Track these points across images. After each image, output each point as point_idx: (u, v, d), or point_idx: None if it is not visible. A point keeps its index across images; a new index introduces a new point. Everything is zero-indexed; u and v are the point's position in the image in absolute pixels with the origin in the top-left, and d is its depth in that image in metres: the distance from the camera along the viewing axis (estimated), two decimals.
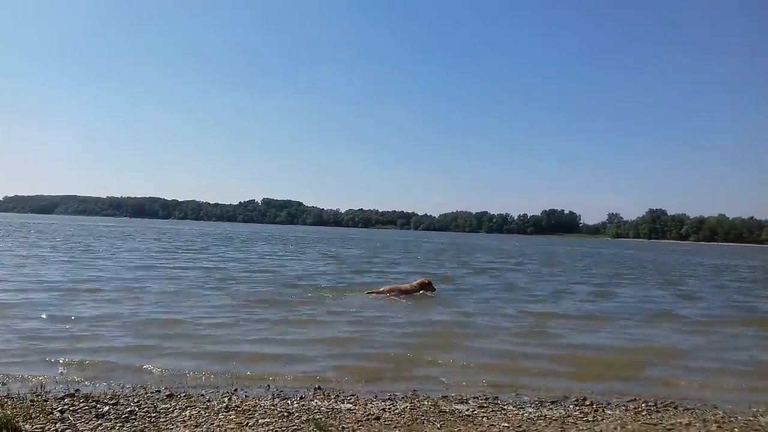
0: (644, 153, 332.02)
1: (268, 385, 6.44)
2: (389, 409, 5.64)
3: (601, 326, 11.04)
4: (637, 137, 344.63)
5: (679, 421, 5.58)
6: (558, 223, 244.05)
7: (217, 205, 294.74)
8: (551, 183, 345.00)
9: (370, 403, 5.86)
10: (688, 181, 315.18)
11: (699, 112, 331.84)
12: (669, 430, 5.31)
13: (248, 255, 29.18)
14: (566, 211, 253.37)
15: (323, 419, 5.20)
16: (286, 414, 5.31)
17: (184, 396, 5.82)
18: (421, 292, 14.13)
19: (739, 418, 5.80)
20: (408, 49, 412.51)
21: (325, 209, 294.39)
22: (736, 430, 5.40)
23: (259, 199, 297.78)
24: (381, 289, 14.34)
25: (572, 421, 5.48)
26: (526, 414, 5.64)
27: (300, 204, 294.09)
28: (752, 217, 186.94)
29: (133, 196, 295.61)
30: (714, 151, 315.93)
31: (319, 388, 6.38)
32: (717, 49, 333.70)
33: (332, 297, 13.60)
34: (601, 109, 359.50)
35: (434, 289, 14.40)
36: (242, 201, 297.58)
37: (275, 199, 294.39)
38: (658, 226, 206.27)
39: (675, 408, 6.09)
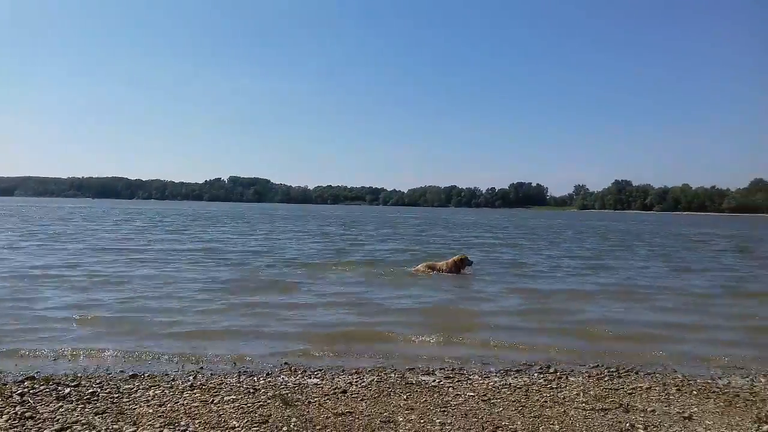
0: (608, 125, 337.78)
1: (235, 363, 6.39)
2: (356, 382, 5.65)
3: (593, 301, 10.95)
4: (601, 110, 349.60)
5: (639, 385, 5.73)
6: (526, 196, 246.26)
7: (182, 183, 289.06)
8: (518, 157, 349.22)
9: (337, 377, 5.86)
10: (652, 151, 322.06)
11: (661, 84, 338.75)
12: (630, 394, 5.45)
13: (222, 235, 28.58)
14: (534, 184, 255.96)
15: (290, 394, 5.18)
16: (252, 390, 5.28)
17: (148, 376, 5.74)
18: (463, 270, 14.13)
19: (698, 381, 5.99)
20: (374, 27, 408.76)
21: (293, 186, 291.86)
22: (695, 392, 5.56)
23: (225, 177, 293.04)
24: (419, 267, 14.52)
25: (536, 388, 5.58)
26: (491, 383, 5.72)
27: (267, 181, 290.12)
28: (714, 186, 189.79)
29: (95, 176, 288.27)
30: (677, 121, 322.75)
31: (287, 364, 6.36)
32: (680, 21, 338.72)
33: (313, 275, 13.53)
34: (564, 84, 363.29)
35: (471, 263, 14.48)
36: (208, 179, 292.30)
37: (242, 177, 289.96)
38: (623, 196, 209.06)
39: (636, 373, 6.26)
